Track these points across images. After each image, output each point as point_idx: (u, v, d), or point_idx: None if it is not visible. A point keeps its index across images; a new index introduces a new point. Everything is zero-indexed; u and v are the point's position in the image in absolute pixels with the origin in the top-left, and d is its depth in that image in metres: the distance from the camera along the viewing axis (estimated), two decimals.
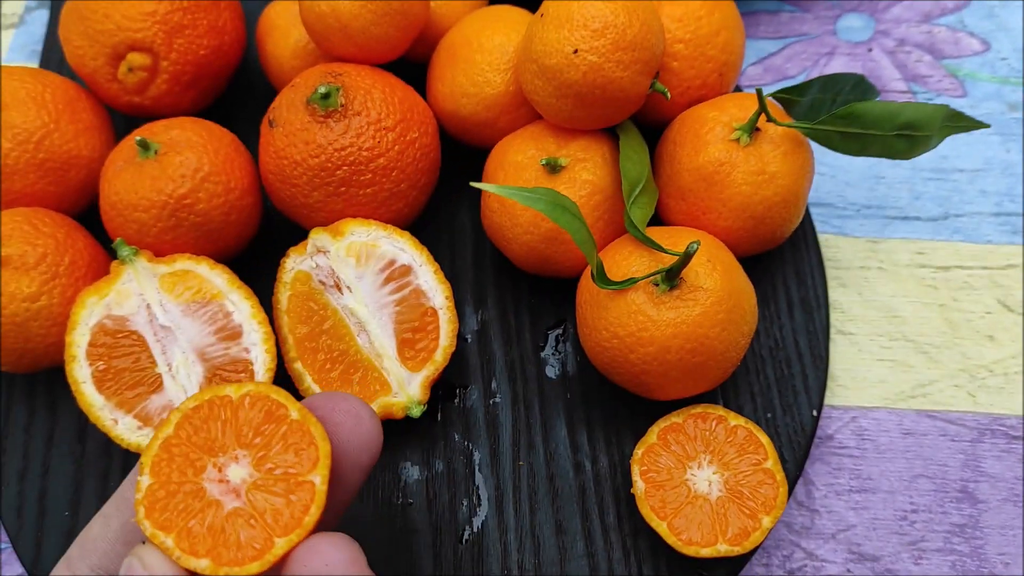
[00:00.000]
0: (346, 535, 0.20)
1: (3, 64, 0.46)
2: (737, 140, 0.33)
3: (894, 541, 0.35)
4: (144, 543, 0.20)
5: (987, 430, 0.37)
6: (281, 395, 0.21)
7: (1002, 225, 0.41)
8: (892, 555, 0.35)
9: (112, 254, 0.35)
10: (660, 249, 0.31)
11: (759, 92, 0.32)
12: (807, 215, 0.39)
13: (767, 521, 0.31)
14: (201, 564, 0.19)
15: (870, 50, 0.45)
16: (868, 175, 0.42)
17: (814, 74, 0.45)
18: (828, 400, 0.37)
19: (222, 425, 0.21)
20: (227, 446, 0.21)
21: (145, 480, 0.20)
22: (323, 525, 0.22)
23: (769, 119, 0.33)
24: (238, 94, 0.42)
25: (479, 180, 0.38)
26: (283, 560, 0.20)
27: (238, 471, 0.20)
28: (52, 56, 0.43)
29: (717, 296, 0.31)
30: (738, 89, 0.41)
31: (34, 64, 0.46)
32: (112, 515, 0.22)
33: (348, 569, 0.20)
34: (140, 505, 0.20)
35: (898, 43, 0.45)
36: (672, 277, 0.30)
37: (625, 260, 0.32)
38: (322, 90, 0.32)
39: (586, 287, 0.33)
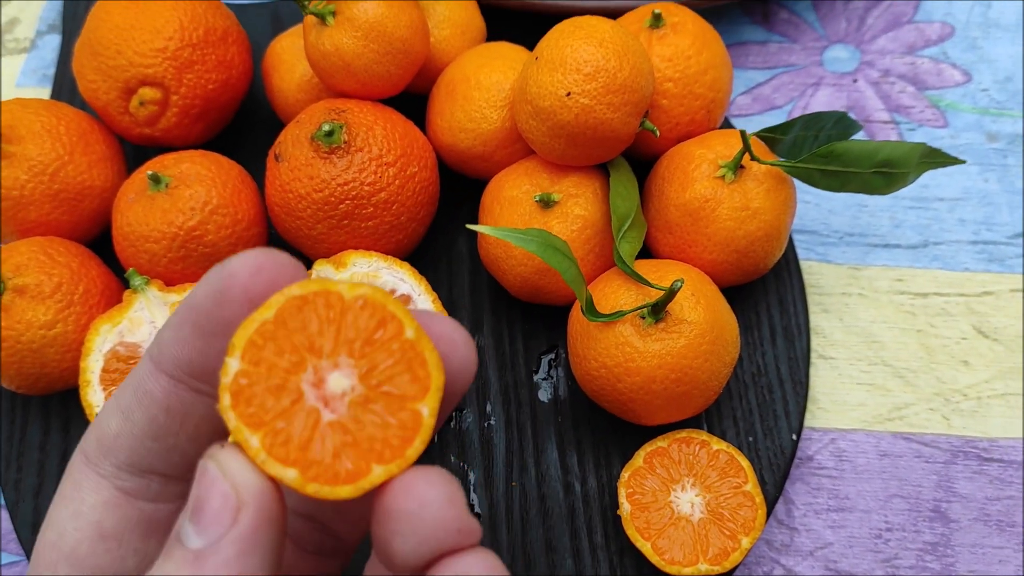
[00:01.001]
0: (442, 469, 0.18)
1: (15, 90, 0.47)
2: (722, 177, 0.35)
3: (869, 558, 0.37)
4: (223, 446, 0.17)
5: (960, 452, 0.38)
6: (398, 308, 0.18)
7: (979, 253, 0.42)
8: (867, 572, 0.37)
9: (124, 282, 0.37)
10: (647, 284, 0.33)
11: (743, 133, 0.33)
12: (791, 246, 0.40)
13: (746, 542, 0.33)
14: (288, 474, 0.17)
15: (855, 81, 0.47)
16: (851, 204, 0.44)
17: (801, 104, 0.46)
18: (809, 422, 0.39)
19: (328, 324, 0.18)
20: (332, 350, 0.18)
21: (234, 364, 0.17)
22: None
23: (752, 158, 0.34)
24: (245, 125, 0.43)
25: (477, 210, 0.39)
26: (378, 490, 0.18)
27: (341, 380, 0.18)
28: (64, 82, 0.45)
29: (701, 329, 0.32)
30: (727, 122, 0.43)
31: (46, 88, 0.47)
32: (134, 409, 0.20)
33: (444, 510, 0.17)
34: (226, 391, 0.17)
35: (882, 74, 0.47)
36: (658, 311, 0.32)
37: (614, 293, 0.33)
38: (326, 128, 0.34)
39: (577, 319, 0.34)
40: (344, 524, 0.21)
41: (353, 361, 0.18)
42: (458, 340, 0.19)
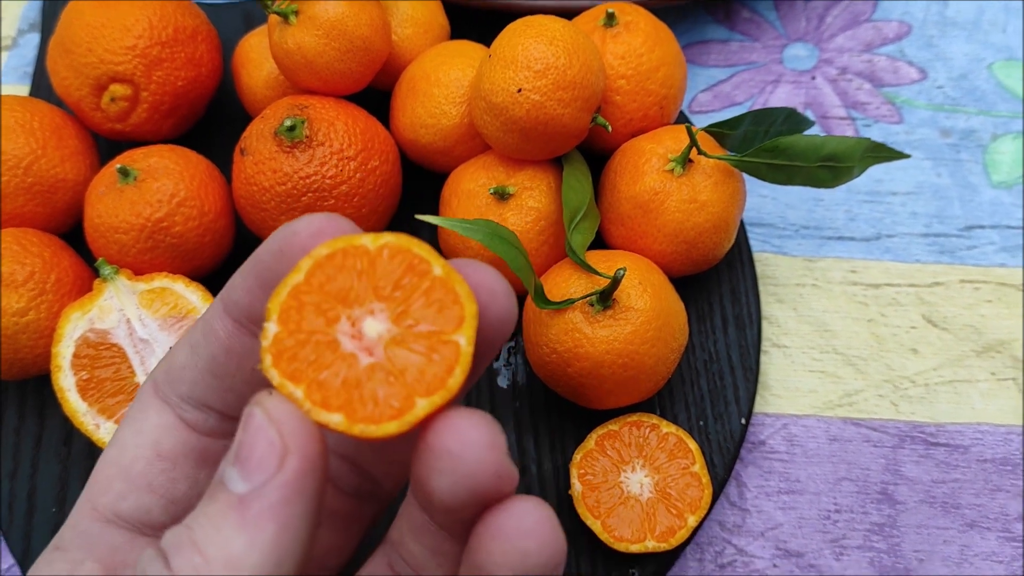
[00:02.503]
0: (488, 415, 0.18)
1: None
2: (671, 171, 0.36)
3: (818, 539, 0.38)
4: (270, 393, 0.18)
5: (907, 437, 0.40)
6: (423, 249, 0.18)
7: (930, 245, 0.44)
8: (815, 551, 0.38)
9: (95, 272, 0.38)
10: (596, 273, 0.34)
11: (689, 128, 0.34)
12: (744, 238, 0.41)
13: (692, 520, 0.34)
14: (334, 419, 0.17)
15: (813, 78, 0.48)
16: (807, 198, 0.45)
17: (760, 100, 0.48)
18: (761, 408, 0.40)
19: (357, 276, 0.18)
20: (363, 298, 0.18)
21: (272, 327, 0.18)
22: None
23: (700, 152, 0.35)
24: (215, 120, 0.45)
25: (436, 205, 0.40)
26: (423, 424, 0.18)
27: (375, 325, 0.18)
28: (43, 79, 0.46)
29: (647, 316, 0.33)
30: (684, 116, 0.44)
31: (27, 86, 0.48)
32: (201, 344, 0.21)
33: (485, 451, 0.17)
34: (267, 353, 0.18)
35: (840, 71, 0.48)
36: (605, 299, 0.33)
37: (565, 282, 0.34)
38: (288, 123, 0.35)
39: (530, 306, 0.36)
40: (383, 466, 0.22)
41: (385, 305, 0.18)
42: (497, 290, 0.19)
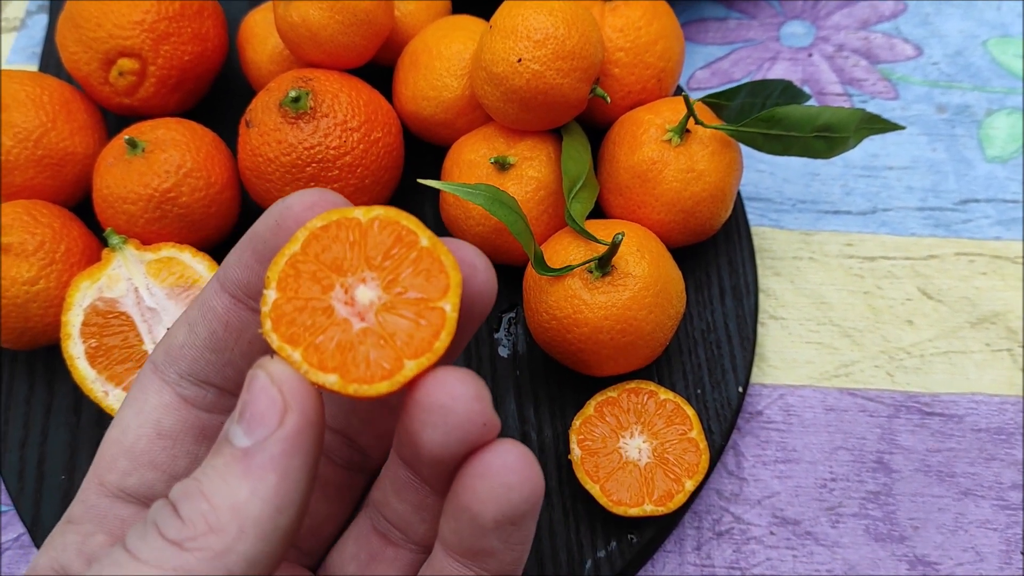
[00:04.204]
0: (472, 371, 0.20)
1: (5, 67, 0.49)
2: (669, 141, 0.37)
3: (814, 506, 0.39)
4: (272, 357, 0.19)
5: (902, 407, 0.40)
6: (411, 221, 0.20)
7: (925, 219, 0.44)
8: (812, 519, 0.38)
9: (103, 242, 0.39)
10: (594, 239, 0.34)
11: (686, 97, 0.35)
12: (741, 209, 0.42)
13: (689, 484, 0.35)
14: (329, 379, 0.19)
15: (810, 55, 0.49)
16: (804, 172, 0.45)
17: (758, 77, 0.48)
18: (759, 379, 0.41)
19: (350, 246, 0.20)
20: (355, 267, 0.19)
21: (272, 294, 0.19)
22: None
23: (697, 122, 0.36)
24: (220, 95, 0.45)
25: (438, 176, 0.41)
26: (411, 384, 0.19)
27: (367, 292, 0.19)
28: (51, 59, 0.47)
29: (645, 282, 0.34)
30: (680, 91, 0.44)
31: (34, 66, 0.49)
32: (198, 322, 0.22)
33: (472, 403, 0.19)
34: (267, 318, 0.19)
35: (837, 48, 0.49)
36: (603, 265, 0.34)
37: (564, 249, 0.35)
38: (293, 94, 0.36)
39: (530, 274, 0.36)
40: (370, 439, 0.23)
41: (376, 274, 0.19)
42: (478, 264, 0.21)
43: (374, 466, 0.24)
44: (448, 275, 0.19)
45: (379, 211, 0.20)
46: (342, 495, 0.24)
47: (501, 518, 0.20)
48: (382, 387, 0.19)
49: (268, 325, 0.19)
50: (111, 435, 0.22)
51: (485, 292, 0.21)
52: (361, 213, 0.20)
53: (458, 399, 0.19)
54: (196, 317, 0.22)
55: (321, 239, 0.20)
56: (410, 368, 0.19)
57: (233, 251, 0.21)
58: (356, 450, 0.23)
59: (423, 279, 0.19)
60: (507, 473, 0.20)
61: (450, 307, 0.19)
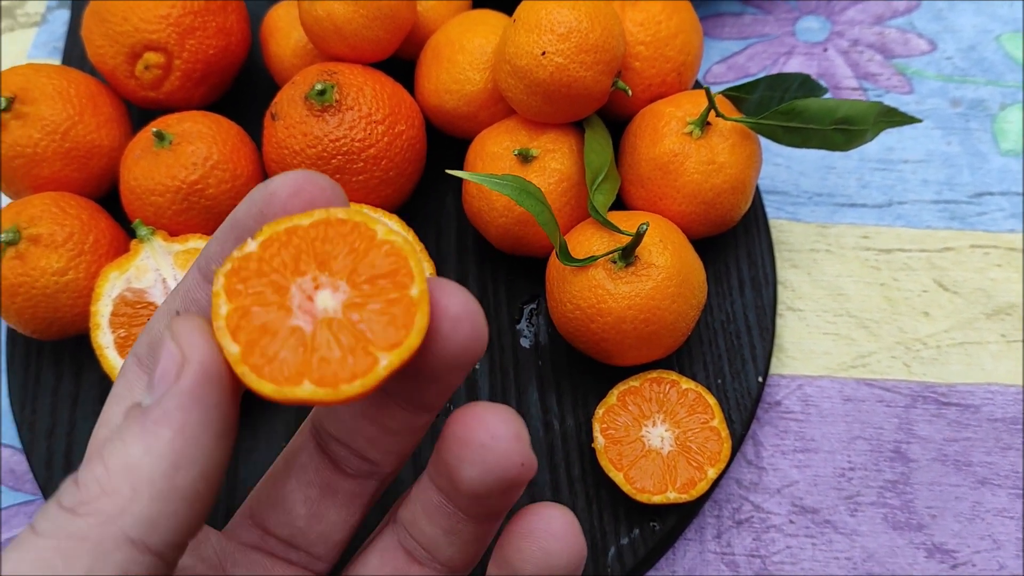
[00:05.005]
0: (511, 409, 0.20)
1: (29, 61, 0.50)
2: (690, 133, 0.37)
3: (832, 495, 0.39)
4: (178, 313, 0.19)
5: (919, 397, 0.41)
6: (417, 266, 0.19)
7: (941, 212, 0.45)
8: (830, 507, 0.39)
9: (131, 234, 0.39)
10: (617, 230, 0.35)
11: (707, 90, 0.35)
12: (759, 202, 0.42)
13: (712, 472, 0.35)
14: (306, 388, 0.18)
15: (825, 50, 0.49)
16: (820, 166, 0.46)
17: (774, 71, 0.49)
18: (777, 370, 0.41)
19: (349, 254, 0.19)
20: (337, 271, 0.19)
21: (252, 245, 0.19)
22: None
23: (718, 115, 0.36)
24: (244, 89, 0.46)
25: (461, 168, 0.41)
26: (380, 384, 0.18)
27: (326, 299, 0.18)
28: (73, 53, 0.47)
29: (668, 272, 0.34)
30: (698, 85, 0.45)
31: (56, 60, 0.49)
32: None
33: (511, 444, 0.19)
34: (229, 262, 0.19)
35: (851, 43, 0.49)
36: (627, 255, 0.34)
37: (587, 240, 0.36)
38: (318, 87, 0.36)
39: (554, 264, 0.37)
40: (380, 454, 0.23)
41: (350, 291, 0.18)
42: (464, 319, 0.19)
43: (387, 475, 0.24)
44: (408, 337, 0.18)
45: (398, 239, 0.19)
46: (352, 502, 0.24)
47: None
48: (356, 387, 0.18)
49: (227, 267, 0.18)
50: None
51: (468, 350, 0.19)
52: (382, 230, 0.19)
53: (498, 439, 0.19)
54: (178, 308, 0.21)
55: (330, 229, 0.19)
56: (385, 364, 0.18)
57: (213, 239, 0.21)
58: (365, 460, 0.23)
59: (384, 322, 0.18)
60: (549, 539, 0.20)
61: (385, 363, 0.18)
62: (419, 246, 0.38)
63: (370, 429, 0.22)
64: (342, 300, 0.18)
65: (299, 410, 0.38)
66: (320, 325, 0.18)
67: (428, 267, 0.38)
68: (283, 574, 0.23)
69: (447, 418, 0.21)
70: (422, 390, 0.21)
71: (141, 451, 0.17)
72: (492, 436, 0.19)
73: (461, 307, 0.19)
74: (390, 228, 0.19)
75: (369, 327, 0.18)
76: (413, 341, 0.18)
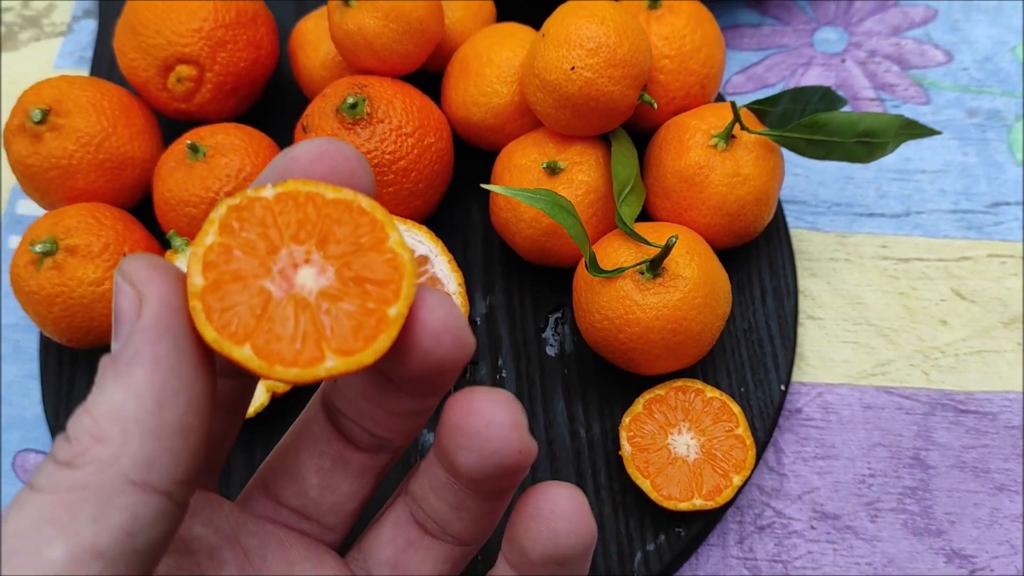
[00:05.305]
0: (509, 393, 0.20)
1: (55, 70, 0.50)
2: (715, 146, 0.38)
3: (853, 501, 0.40)
4: (125, 254, 0.19)
5: (938, 404, 0.41)
6: (409, 284, 0.18)
7: (958, 221, 0.45)
8: (851, 513, 0.39)
9: (164, 244, 0.40)
10: (645, 242, 0.36)
11: (733, 104, 0.36)
12: (780, 213, 0.43)
13: (737, 479, 0.36)
14: (290, 372, 0.17)
15: (843, 61, 0.50)
16: (838, 176, 0.47)
17: (792, 82, 0.49)
18: (797, 378, 0.42)
19: (350, 241, 0.18)
20: (330, 253, 0.18)
21: (270, 192, 0.18)
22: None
23: (743, 128, 0.37)
24: (272, 100, 0.46)
25: (488, 179, 0.42)
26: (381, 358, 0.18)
27: (307, 276, 0.18)
28: (102, 63, 0.48)
29: (695, 283, 0.35)
30: (721, 97, 0.45)
31: (83, 70, 0.50)
32: None
33: (508, 431, 0.19)
34: (223, 204, 0.18)
35: (869, 54, 0.50)
36: (655, 267, 0.35)
37: (615, 251, 0.36)
38: (350, 100, 0.37)
39: (581, 275, 0.37)
40: (391, 432, 0.23)
41: (333, 281, 0.18)
42: (445, 334, 0.19)
43: (398, 448, 0.24)
44: (376, 340, 0.18)
45: (405, 253, 0.18)
46: (364, 473, 0.24)
47: (547, 558, 0.20)
48: (289, 374, 0.17)
49: (219, 211, 0.18)
50: None
51: (452, 358, 0.19)
52: (395, 239, 0.18)
53: (492, 426, 0.19)
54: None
55: (340, 208, 0.18)
56: (328, 366, 0.17)
57: None
58: (375, 437, 0.23)
59: (364, 312, 0.18)
60: (555, 519, 0.20)
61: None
62: (447, 257, 0.38)
63: (376, 411, 0.22)
64: (321, 285, 0.18)
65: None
66: (288, 299, 0.18)
67: (456, 278, 0.38)
68: (296, 544, 0.23)
69: (445, 402, 0.20)
70: (416, 387, 0.21)
71: (121, 394, 0.16)
72: (487, 424, 0.19)
73: (441, 322, 0.18)
74: (403, 241, 0.19)
75: (332, 324, 0.18)
76: (365, 358, 0.17)
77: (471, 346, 0.19)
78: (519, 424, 0.19)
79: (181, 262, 0.37)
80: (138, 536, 0.16)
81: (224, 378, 0.22)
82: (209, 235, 0.18)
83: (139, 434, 0.16)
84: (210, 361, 0.18)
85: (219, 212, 0.18)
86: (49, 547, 0.15)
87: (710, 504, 0.35)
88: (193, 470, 0.17)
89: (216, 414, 0.22)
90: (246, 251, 0.18)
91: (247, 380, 0.23)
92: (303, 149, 0.19)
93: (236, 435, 0.24)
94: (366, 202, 0.19)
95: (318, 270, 0.18)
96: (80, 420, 0.17)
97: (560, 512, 0.20)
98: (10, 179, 0.47)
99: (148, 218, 0.41)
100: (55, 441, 0.17)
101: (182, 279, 0.18)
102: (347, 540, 0.25)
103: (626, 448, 0.36)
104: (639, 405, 0.37)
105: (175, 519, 0.17)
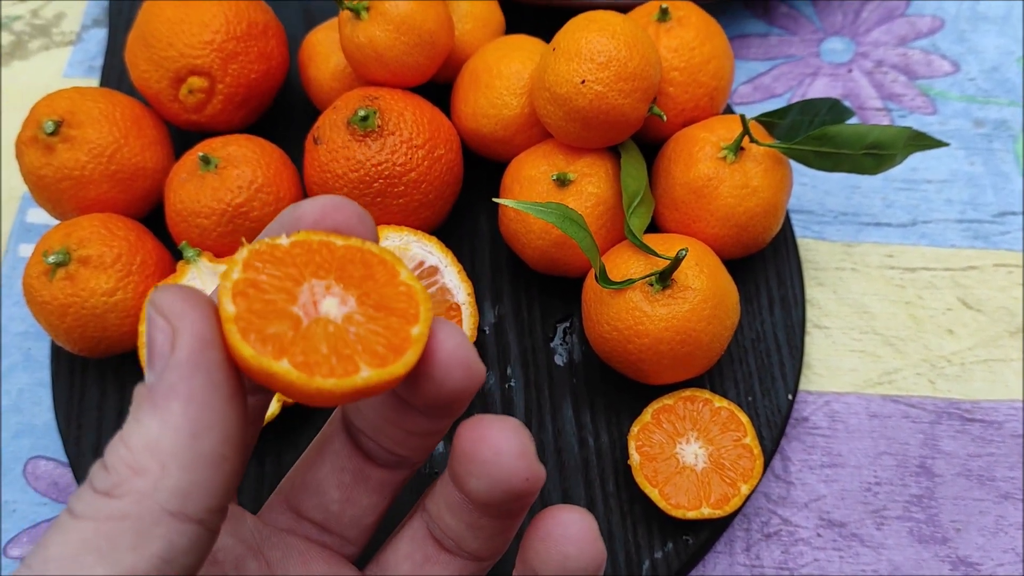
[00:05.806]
0: (517, 421, 0.20)
1: (64, 80, 0.50)
2: (724, 158, 0.38)
3: (859, 509, 0.40)
4: (156, 287, 0.19)
5: (944, 413, 0.42)
6: (424, 324, 0.19)
7: (964, 231, 0.46)
8: (857, 521, 0.40)
9: (176, 255, 0.40)
10: (655, 254, 0.36)
11: (743, 117, 0.36)
12: (788, 224, 0.43)
13: (744, 488, 0.36)
14: (329, 382, 0.18)
15: (850, 71, 0.50)
16: (845, 185, 0.47)
17: (799, 92, 0.49)
18: (804, 386, 0.42)
19: (362, 282, 0.19)
20: (347, 296, 0.19)
21: (284, 241, 0.19)
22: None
23: (752, 140, 0.37)
24: (282, 111, 0.47)
25: (497, 190, 0.42)
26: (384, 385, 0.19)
27: (331, 305, 0.19)
28: (112, 73, 0.48)
29: (704, 295, 0.35)
30: (729, 108, 0.46)
31: (92, 79, 0.50)
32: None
33: (515, 460, 0.20)
34: (246, 247, 0.19)
35: (876, 64, 0.50)
36: (664, 278, 0.35)
37: (625, 263, 0.36)
38: (361, 113, 0.37)
39: (590, 286, 0.38)
40: (408, 450, 0.24)
41: (356, 308, 0.19)
42: (455, 365, 0.19)
43: (415, 464, 0.25)
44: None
45: (420, 291, 0.20)
46: (383, 488, 0.24)
47: None
48: (328, 384, 0.18)
49: (246, 250, 0.19)
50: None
51: (466, 384, 0.20)
52: (406, 275, 0.20)
53: (501, 455, 0.20)
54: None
55: (358, 255, 0.20)
56: (364, 376, 0.18)
57: None
58: (393, 455, 0.24)
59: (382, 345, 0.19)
60: (566, 543, 0.21)
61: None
62: (457, 267, 0.39)
63: (394, 431, 0.23)
64: (345, 312, 0.19)
65: None
66: (316, 322, 0.18)
67: (465, 288, 0.39)
68: (317, 556, 0.24)
69: (456, 428, 0.21)
70: (431, 411, 0.21)
71: (158, 427, 0.17)
72: (496, 452, 0.20)
73: (452, 352, 0.19)
74: (413, 275, 0.20)
75: (361, 340, 0.18)
76: (397, 369, 0.18)
77: (482, 375, 0.20)
78: (527, 452, 0.20)
79: (193, 274, 0.38)
80: (174, 563, 0.17)
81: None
82: (235, 272, 0.18)
83: (175, 467, 0.17)
84: (242, 393, 0.19)
85: (242, 255, 0.19)
86: (91, 573, 0.16)
87: (718, 513, 0.36)
88: (226, 499, 0.18)
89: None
90: (272, 284, 0.19)
91: (265, 396, 0.24)
92: (309, 207, 0.20)
93: (253, 448, 0.25)
94: (374, 248, 0.20)
95: (340, 300, 0.19)
96: (117, 450, 0.17)
97: (571, 536, 0.21)
98: (20, 187, 0.48)
99: (160, 228, 0.41)
100: (93, 469, 0.18)
101: (214, 310, 0.18)
102: (364, 554, 0.26)
103: (634, 457, 0.37)
104: (647, 415, 0.38)
105: (208, 545, 0.18)
